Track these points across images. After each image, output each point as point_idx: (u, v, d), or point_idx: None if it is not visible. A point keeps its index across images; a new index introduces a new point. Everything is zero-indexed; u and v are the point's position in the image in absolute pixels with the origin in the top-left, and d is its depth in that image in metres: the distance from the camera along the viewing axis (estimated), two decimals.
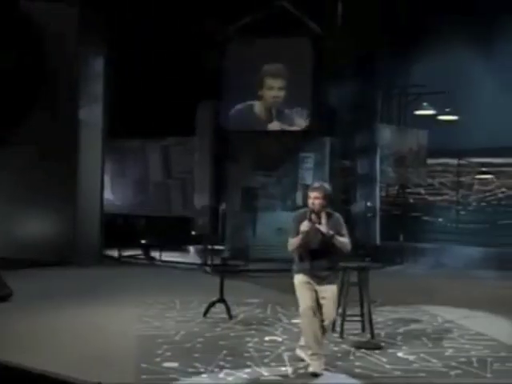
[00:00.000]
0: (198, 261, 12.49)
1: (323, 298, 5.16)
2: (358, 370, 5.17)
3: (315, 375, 4.99)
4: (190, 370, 5.00)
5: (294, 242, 5.18)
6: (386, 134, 12.73)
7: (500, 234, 14.63)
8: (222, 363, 5.22)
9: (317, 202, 5.10)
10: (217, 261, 11.96)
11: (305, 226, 5.06)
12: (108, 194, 13.65)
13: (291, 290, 6.68)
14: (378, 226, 12.39)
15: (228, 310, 7.19)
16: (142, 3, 12.44)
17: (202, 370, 5.02)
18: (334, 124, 12.24)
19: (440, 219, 16.00)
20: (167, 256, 12.80)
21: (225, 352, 5.57)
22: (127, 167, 13.63)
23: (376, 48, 12.57)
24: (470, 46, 13.24)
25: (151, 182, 13.30)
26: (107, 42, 12.43)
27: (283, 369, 5.14)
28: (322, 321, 5.14)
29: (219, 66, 12.17)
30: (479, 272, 12.07)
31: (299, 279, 5.23)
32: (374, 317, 7.36)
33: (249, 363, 5.25)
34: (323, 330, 5.16)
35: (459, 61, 13.33)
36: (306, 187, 12.01)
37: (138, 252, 13.30)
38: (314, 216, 5.09)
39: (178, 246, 13.94)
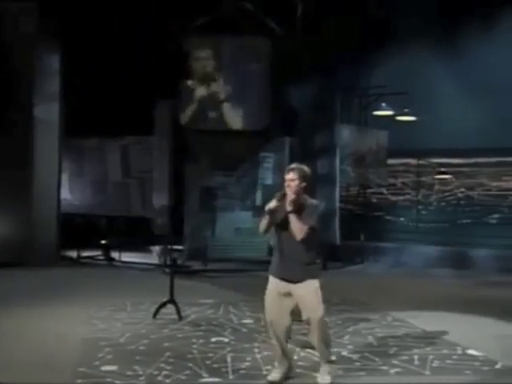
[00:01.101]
0: (158, 261, 12.39)
1: (300, 295, 4.71)
2: (298, 370, 5.16)
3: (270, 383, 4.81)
4: (129, 373, 4.94)
5: (263, 222, 4.75)
6: (345, 134, 12.80)
7: (459, 233, 14.82)
8: (162, 365, 5.16)
9: (292, 184, 4.67)
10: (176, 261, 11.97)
11: (271, 203, 4.65)
12: (66, 194, 13.47)
13: (246, 289, 6.71)
14: (337, 226, 12.45)
15: (178, 310, 7.13)
16: (100, 1, 12.31)
17: (140, 372, 4.95)
18: (293, 124, 12.26)
19: (401, 219, 16.16)
20: (127, 256, 12.68)
21: (168, 354, 5.52)
22: (86, 166, 13.46)
23: (336, 49, 12.62)
24: (431, 47, 13.39)
25: (110, 181, 13.15)
26: (64, 39, 12.27)
27: (224, 370, 5.10)
28: (301, 321, 4.81)
29: (178, 64, 12.09)
30: (437, 271, 12.24)
31: (270, 282, 4.84)
32: (328, 316, 7.45)
33: (190, 365, 5.20)
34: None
35: (420, 62, 13.48)
36: (266, 187, 12.21)
37: (97, 252, 13.16)
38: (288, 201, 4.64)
39: (140, 246, 13.82)
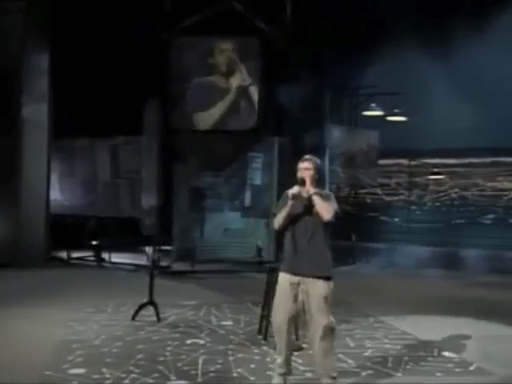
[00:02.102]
0: (147, 262, 12.33)
1: (309, 296, 4.45)
2: (269, 372, 5.10)
3: None
4: (96, 376, 4.88)
5: (281, 215, 4.54)
6: (335, 134, 12.75)
7: (452, 233, 14.76)
8: (132, 368, 5.10)
9: (307, 172, 4.58)
10: (164, 262, 11.93)
11: (293, 189, 4.50)
12: (57, 195, 13.45)
13: (231, 291, 6.65)
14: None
15: (157, 312, 7.08)
16: (89, 0, 12.28)
17: (108, 376, 4.90)
18: (283, 124, 12.21)
19: (393, 219, 16.10)
20: (118, 257, 12.65)
21: (139, 356, 5.46)
22: (76, 167, 13.43)
23: (326, 48, 12.57)
24: (422, 47, 13.35)
25: (100, 181, 13.11)
26: (53, 39, 12.24)
27: (193, 373, 5.05)
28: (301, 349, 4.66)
29: (167, 64, 12.05)
30: (428, 271, 12.21)
31: (281, 281, 4.61)
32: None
33: (160, 368, 5.14)
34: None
35: (411, 62, 13.43)
36: (255, 188, 12.16)
37: (88, 253, 13.12)
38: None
39: (130, 247, 13.79)
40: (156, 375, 4.95)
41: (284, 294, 4.54)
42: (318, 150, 12.53)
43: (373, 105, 13.31)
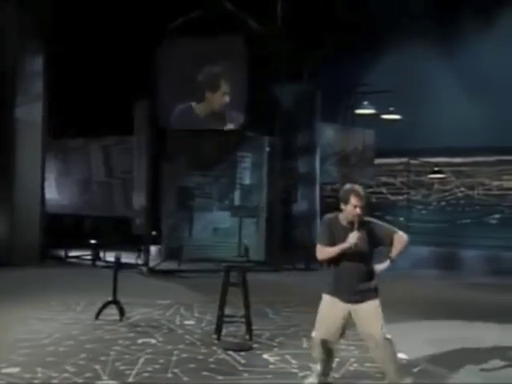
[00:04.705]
0: (140, 261, 12.38)
1: (359, 318, 4.48)
2: (205, 373, 5.05)
3: None
4: (27, 375, 4.87)
5: (330, 251, 4.42)
6: (327, 133, 12.62)
7: (450, 233, 14.52)
8: (68, 368, 5.09)
9: (359, 211, 4.36)
10: (153, 262, 11.96)
11: (353, 237, 4.32)
12: (54, 194, 13.59)
13: (210, 290, 6.60)
14: (318, 225, 12.25)
15: (120, 311, 7.07)
16: (82, 3, 12.36)
17: (39, 375, 4.89)
18: (273, 124, 12.14)
19: (391, 218, 15.85)
20: (112, 256, 12.70)
21: (82, 356, 5.45)
22: (72, 167, 13.56)
23: (319, 48, 12.46)
24: (421, 46, 13.18)
25: (94, 181, 13.23)
26: (47, 41, 12.35)
27: (127, 373, 5.02)
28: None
29: (158, 65, 12.06)
30: (424, 272, 12.03)
31: (326, 300, 4.59)
32: (276, 317, 7.37)
33: (96, 367, 5.12)
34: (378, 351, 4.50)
35: (411, 60, 13.28)
36: (243, 187, 12.10)
37: (86, 252, 13.22)
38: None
39: (127, 246, 13.85)
40: (89, 375, 4.93)
41: (329, 313, 4.57)
42: (308, 149, 12.50)
43: (365, 103, 13.10)
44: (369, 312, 4.46)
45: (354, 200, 4.36)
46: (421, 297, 9.24)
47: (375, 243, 4.48)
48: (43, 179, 12.58)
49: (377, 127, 14.13)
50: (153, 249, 14.03)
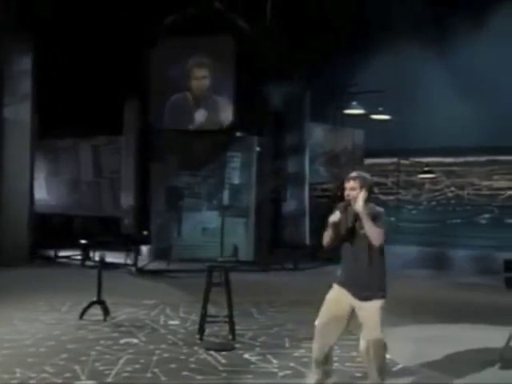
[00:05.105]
0: (130, 261, 12.36)
1: (361, 313, 4.48)
2: (184, 373, 5.05)
3: None
4: (6, 376, 4.84)
5: (325, 236, 4.47)
6: (317, 133, 12.63)
7: (440, 233, 14.54)
8: (47, 368, 5.07)
9: (353, 193, 4.38)
10: (143, 262, 11.95)
11: (334, 216, 4.37)
12: (44, 194, 13.56)
13: (197, 290, 6.61)
14: (307, 225, 12.28)
15: (104, 311, 7.06)
16: (71, 2, 12.34)
17: (18, 375, 4.88)
18: (262, 124, 12.15)
19: (389, 218, 15.88)
20: (106, 257, 12.66)
21: (63, 356, 5.44)
22: (62, 167, 13.55)
23: (309, 48, 12.46)
24: (411, 45, 13.19)
25: (85, 181, 13.22)
26: (36, 40, 12.32)
27: (106, 373, 5.01)
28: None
29: (147, 64, 12.06)
30: (413, 272, 12.04)
31: (334, 288, 4.58)
32: (260, 317, 7.37)
33: (76, 367, 5.11)
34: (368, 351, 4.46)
35: (398, 60, 13.29)
36: (233, 187, 12.11)
37: (76, 252, 13.18)
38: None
39: (117, 246, 13.83)
40: (68, 375, 4.92)
41: (332, 300, 4.56)
42: (297, 149, 12.50)
43: (354, 103, 13.11)
44: (371, 312, 4.43)
45: (346, 184, 4.47)
46: (409, 296, 9.21)
47: None
48: (32, 179, 12.55)
49: (369, 127, 14.14)
50: (144, 249, 14.09)
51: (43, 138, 12.69)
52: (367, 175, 4.55)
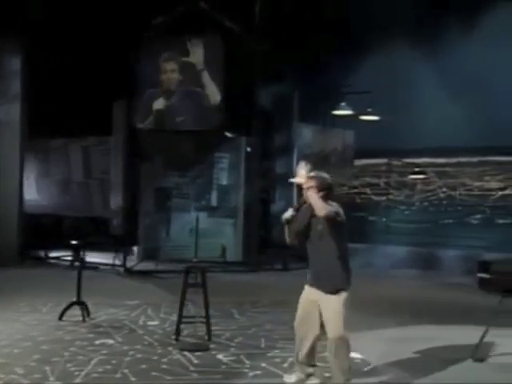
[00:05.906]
0: (119, 262, 12.37)
1: (324, 307, 4.61)
2: (154, 373, 5.07)
3: None
4: None
5: (285, 233, 4.71)
6: (305, 134, 12.63)
7: (429, 234, 14.56)
8: (17, 369, 5.07)
9: (309, 192, 4.54)
10: (132, 262, 11.96)
11: (287, 213, 4.63)
12: (34, 195, 13.57)
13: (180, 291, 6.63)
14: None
15: (83, 312, 7.08)
16: (60, 3, 12.35)
17: None
18: (250, 124, 12.14)
19: (371, 218, 15.89)
20: (93, 257, 12.68)
21: (36, 357, 5.45)
22: (52, 167, 13.56)
23: (297, 48, 12.45)
24: (399, 46, 13.20)
25: (75, 182, 13.23)
26: (25, 41, 12.33)
27: (76, 374, 5.02)
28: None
29: (135, 64, 12.06)
30: (402, 272, 12.06)
31: (305, 289, 4.77)
32: (240, 318, 7.38)
33: (46, 368, 5.12)
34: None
35: (389, 61, 13.29)
36: (221, 187, 12.11)
37: (66, 253, 13.20)
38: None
39: (106, 246, 13.84)
40: (37, 376, 4.94)
41: (304, 300, 4.76)
42: (285, 150, 12.50)
43: (343, 104, 13.09)
44: (331, 307, 4.54)
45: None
46: (392, 296, 9.25)
47: (332, 224, 4.50)
48: (21, 179, 12.56)
49: (361, 128, 14.14)
50: (135, 249, 14.09)
51: (33, 138, 12.70)
52: (326, 175, 4.73)
